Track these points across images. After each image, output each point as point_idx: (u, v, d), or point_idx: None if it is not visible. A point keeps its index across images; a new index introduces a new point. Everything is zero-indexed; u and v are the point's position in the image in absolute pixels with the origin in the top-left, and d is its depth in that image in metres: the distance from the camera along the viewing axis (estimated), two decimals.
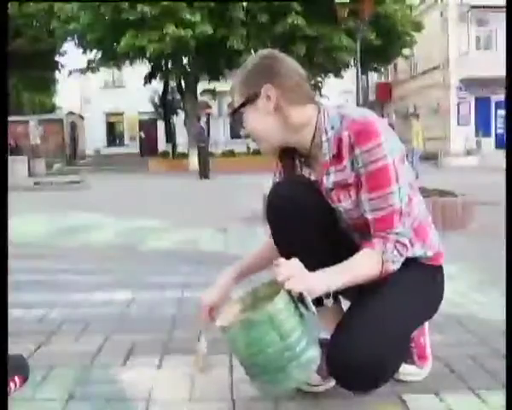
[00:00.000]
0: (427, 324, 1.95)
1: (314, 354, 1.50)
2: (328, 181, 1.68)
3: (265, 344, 1.45)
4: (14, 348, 2.15)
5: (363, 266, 1.58)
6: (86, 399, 1.78)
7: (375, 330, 1.54)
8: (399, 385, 1.81)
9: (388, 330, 1.56)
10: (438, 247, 1.77)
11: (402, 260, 1.61)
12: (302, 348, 1.48)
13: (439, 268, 1.80)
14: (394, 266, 1.59)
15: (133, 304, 2.96)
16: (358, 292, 1.63)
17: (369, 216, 1.61)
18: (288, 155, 1.78)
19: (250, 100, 1.66)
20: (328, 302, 1.51)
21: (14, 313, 2.72)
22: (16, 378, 1.55)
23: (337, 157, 1.64)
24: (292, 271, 1.48)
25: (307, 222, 1.67)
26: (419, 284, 1.70)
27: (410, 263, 1.67)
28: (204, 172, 18.05)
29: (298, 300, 1.48)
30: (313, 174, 1.74)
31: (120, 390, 1.84)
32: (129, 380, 1.92)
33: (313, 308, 1.44)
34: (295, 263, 1.51)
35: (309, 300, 1.45)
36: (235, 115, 1.71)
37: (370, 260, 1.57)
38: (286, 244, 1.71)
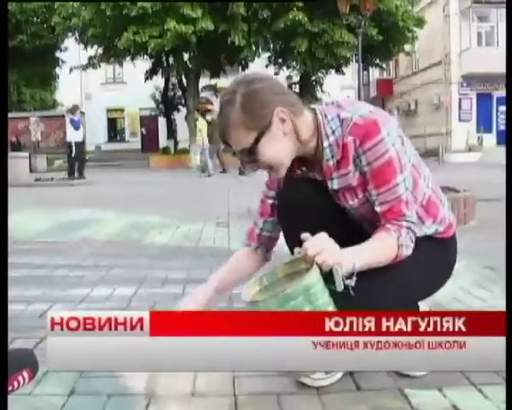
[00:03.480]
0: None
1: None
2: (332, 185, 1.68)
3: None
4: (15, 344, 2.15)
5: (383, 247, 1.59)
6: (88, 394, 1.78)
7: (380, 291, 1.58)
8: (402, 380, 1.80)
9: (392, 294, 1.60)
10: (449, 219, 1.79)
11: (412, 246, 1.63)
12: None
13: (450, 239, 1.81)
14: (407, 252, 1.61)
15: (135, 299, 2.95)
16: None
17: (379, 209, 1.62)
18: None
19: (264, 130, 1.56)
20: (352, 282, 1.47)
21: (14, 308, 2.71)
22: (25, 373, 1.54)
23: (342, 162, 1.64)
24: (323, 244, 1.45)
25: (318, 218, 1.66)
26: (427, 256, 1.72)
27: (422, 238, 1.69)
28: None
29: (326, 275, 1.44)
30: (318, 176, 1.73)
31: (122, 386, 1.84)
32: (130, 375, 1.91)
33: (342, 284, 1.42)
34: (325, 236, 1.48)
35: (339, 274, 1.42)
36: (248, 152, 1.59)
37: (388, 242, 1.59)
38: (296, 239, 1.71)
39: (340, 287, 1.42)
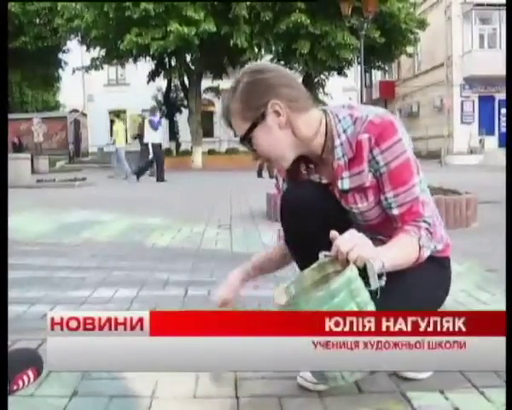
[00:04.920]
0: None
1: None
2: (342, 185, 1.65)
3: None
4: (16, 345, 2.15)
5: (406, 248, 1.56)
6: (89, 396, 1.77)
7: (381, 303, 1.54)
8: (404, 383, 1.80)
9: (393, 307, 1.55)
10: (446, 239, 1.78)
11: (431, 248, 1.61)
12: None
13: (447, 259, 1.80)
14: (427, 254, 1.59)
15: (136, 301, 2.96)
16: None
17: (396, 212, 1.60)
18: (293, 163, 1.71)
19: (258, 121, 1.59)
20: (382, 282, 1.43)
21: (15, 309, 2.72)
22: (29, 372, 1.53)
23: (354, 161, 1.62)
24: (355, 239, 1.42)
25: (321, 223, 1.63)
26: (429, 275, 1.69)
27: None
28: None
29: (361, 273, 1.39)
30: (323, 179, 1.71)
31: (124, 387, 1.84)
32: (132, 377, 1.91)
33: (376, 279, 1.37)
34: (356, 232, 1.45)
35: (374, 270, 1.37)
36: (245, 141, 1.63)
37: (410, 243, 1.56)
38: (298, 244, 1.70)
39: (374, 284, 1.37)
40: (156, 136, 15.32)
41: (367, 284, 1.39)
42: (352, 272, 1.37)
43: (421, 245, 1.57)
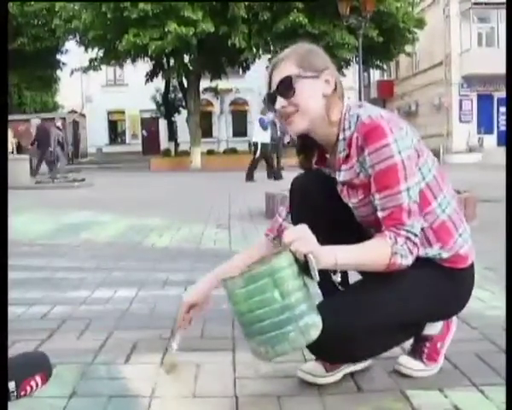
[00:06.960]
0: (452, 332, 1.93)
1: (315, 320, 1.51)
2: (339, 177, 1.73)
3: (265, 300, 1.46)
4: (15, 346, 2.16)
5: (372, 251, 1.57)
6: (89, 396, 1.77)
7: (356, 308, 1.61)
8: (403, 381, 1.80)
9: (370, 314, 1.61)
10: (459, 249, 1.74)
11: (411, 258, 1.59)
12: (302, 311, 1.48)
13: (463, 271, 1.76)
14: (403, 262, 1.57)
15: (135, 301, 2.96)
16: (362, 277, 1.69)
17: (380, 214, 1.62)
18: (307, 156, 1.84)
19: (310, 76, 1.68)
20: (337, 278, 1.51)
21: (16, 310, 2.72)
22: (37, 378, 1.51)
23: (349, 157, 1.68)
24: (299, 234, 1.50)
25: (326, 207, 1.73)
26: (427, 282, 1.69)
27: (425, 262, 1.67)
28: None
29: (303, 266, 1.48)
30: (332, 173, 1.78)
31: (123, 387, 1.84)
32: (131, 377, 1.91)
33: (316, 273, 1.45)
34: (304, 228, 1.51)
35: (313, 263, 1.45)
36: (285, 83, 1.68)
37: (380, 247, 1.57)
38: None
39: (315, 277, 1.46)
40: (265, 135, 15.08)
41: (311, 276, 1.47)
42: (278, 261, 1.47)
43: (394, 252, 1.55)
